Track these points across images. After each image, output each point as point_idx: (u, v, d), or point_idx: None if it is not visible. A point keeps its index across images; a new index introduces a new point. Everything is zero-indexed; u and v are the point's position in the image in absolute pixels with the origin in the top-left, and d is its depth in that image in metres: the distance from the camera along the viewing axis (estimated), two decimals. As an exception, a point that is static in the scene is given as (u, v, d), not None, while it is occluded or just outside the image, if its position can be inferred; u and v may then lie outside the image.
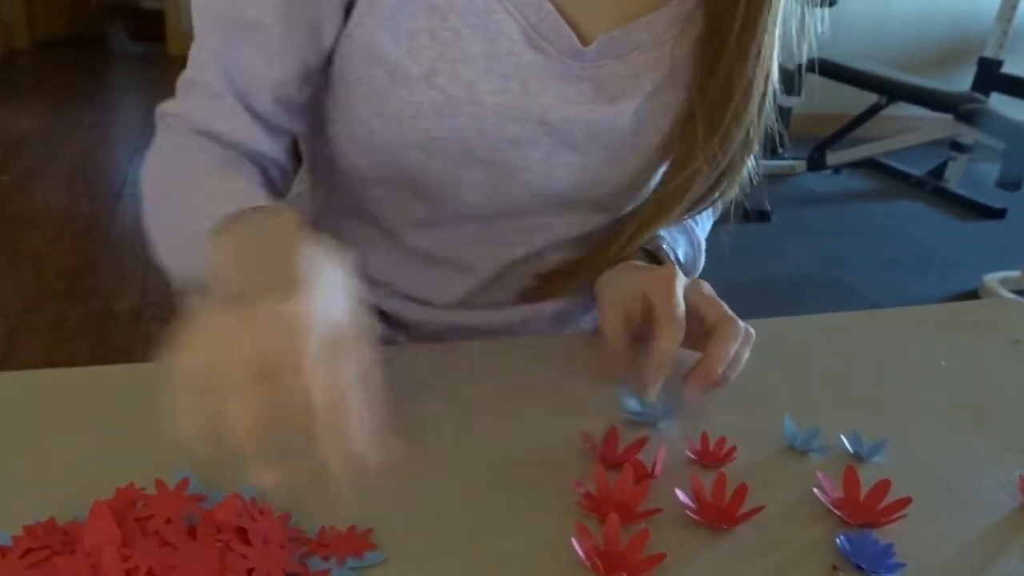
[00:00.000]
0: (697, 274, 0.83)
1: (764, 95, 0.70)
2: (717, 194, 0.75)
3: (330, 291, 0.45)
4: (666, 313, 0.63)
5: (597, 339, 0.71)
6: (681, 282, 0.66)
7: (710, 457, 0.58)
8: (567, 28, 0.65)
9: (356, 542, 0.48)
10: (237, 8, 0.63)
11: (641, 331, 0.67)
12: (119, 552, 0.43)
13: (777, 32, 0.68)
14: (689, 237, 0.83)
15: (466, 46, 0.64)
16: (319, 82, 0.69)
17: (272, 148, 0.70)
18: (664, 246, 0.77)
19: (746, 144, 0.71)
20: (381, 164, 0.71)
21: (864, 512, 0.53)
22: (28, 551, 0.43)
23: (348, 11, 0.64)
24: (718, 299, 0.66)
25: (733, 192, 0.75)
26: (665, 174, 0.74)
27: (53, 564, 0.43)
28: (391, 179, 0.72)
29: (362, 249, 0.77)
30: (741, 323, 0.65)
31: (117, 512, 0.45)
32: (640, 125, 0.70)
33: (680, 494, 0.53)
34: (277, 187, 0.74)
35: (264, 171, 0.70)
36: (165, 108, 0.69)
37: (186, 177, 0.65)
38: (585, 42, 0.66)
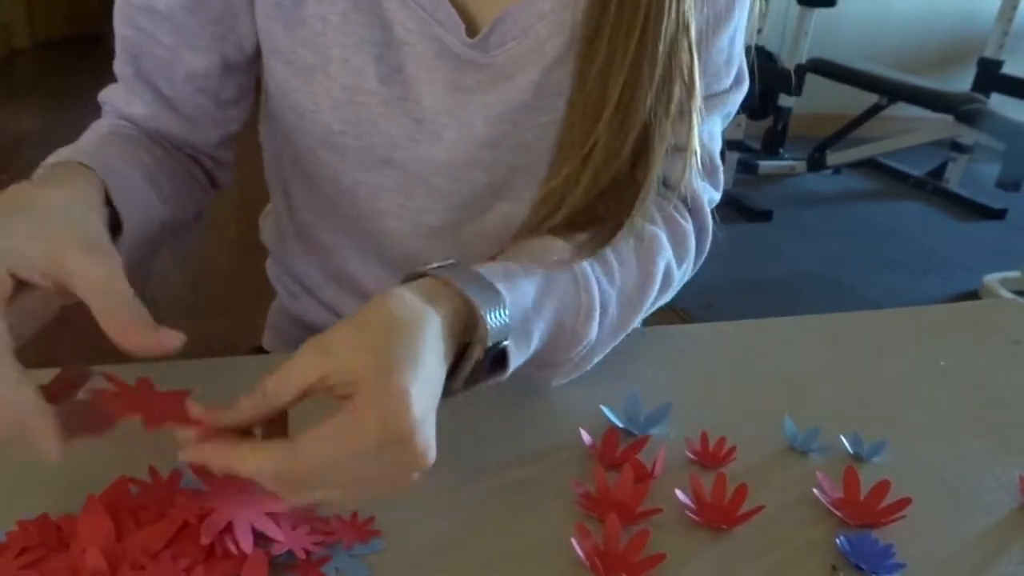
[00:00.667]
0: (584, 367, 0.63)
1: (666, 86, 0.60)
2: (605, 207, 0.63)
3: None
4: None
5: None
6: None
7: (710, 457, 0.58)
8: (457, 18, 0.62)
9: (359, 530, 0.48)
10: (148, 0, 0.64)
11: None
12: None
13: (682, 13, 0.59)
14: (585, 281, 0.59)
15: (357, 32, 0.62)
16: (249, 77, 0.70)
17: (200, 138, 0.70)
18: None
19: (647, 147, 0.61)
20: (301, 165, 0.71)
21: (864, 512, 0.53)
22: (23, 550, 0.43)
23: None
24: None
25: (636, 214, 0.62)
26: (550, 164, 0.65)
27: (47, 563, 0.43)
28: (314, 182, 0.72)
29: (330, 252, 0.77)
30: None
31: (110, 506, 0.45)
32: (540, 100, 0.64)
33: (680, 494, 0.53)
34: (212, 177, 0.75)
35: (194, 160, 0.71)
36: (100, 95, 0.72)
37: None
38: (478, 28, 0.63)
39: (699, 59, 0.62)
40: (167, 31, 0.64)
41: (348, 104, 0.64)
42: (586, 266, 0.59)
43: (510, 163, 0.67)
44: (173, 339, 0.46)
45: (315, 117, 0.66)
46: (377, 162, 0.67)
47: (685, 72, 0.61)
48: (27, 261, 0.45)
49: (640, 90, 0.59)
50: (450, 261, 0.53)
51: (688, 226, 0.69)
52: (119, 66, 0.68)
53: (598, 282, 0.59)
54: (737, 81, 0.71)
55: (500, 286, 0.51)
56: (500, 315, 0.50)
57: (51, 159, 0.58)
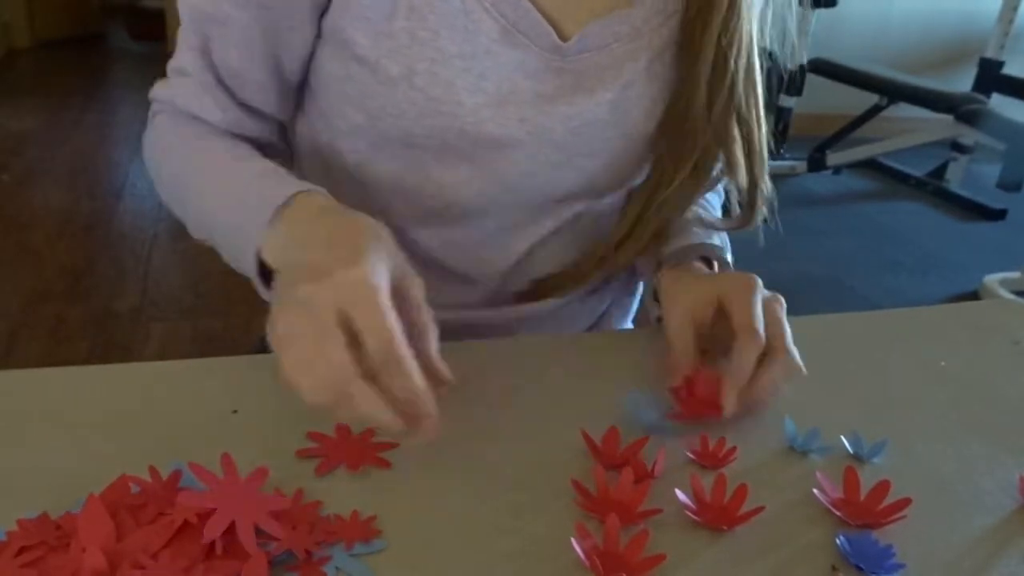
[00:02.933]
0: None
1: (751, 80, 0.69)
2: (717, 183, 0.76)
3: (384, 254, 0.53)
4: (745, 325, 0.62)
5: (597, 339, 0.71)
6: (760, 292, 0.66)
7: (710, 458, 0.58)
8: (546, 24, 0.65)
9: (361, 528, 0.48)
10: (215, 5, 0.65)
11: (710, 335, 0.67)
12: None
13: (754, 23, 0.69)
14: (724, 236, 0.81)
15: (444, 46, 0.64)
16: (300, 78, 0.71)
17: (264, 132, 0.73)
18: (721, 254, 0.77)
19: (746, 132, 0.70)
20: (365, 162, 0.72)
21: (864, 513, 0.53)
22: (23, 549, 0.43)
23: (324, 13, 0.65)
24: (782, 320, 0.65)
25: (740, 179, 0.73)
26: (652, 166, 0.74)
27: (47, 562, 0.43)
28: (375, 177, 0.73)
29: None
30: (785, 347, 0.63)
31: (110, 505, 0.45)
32: (618, 115, 0.70)
33: (680, 494, 0.53)
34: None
35: (261, 149, 0.73)
36: (157, 93, 0.73)
37: (200, 150, 0.69)
38: (564, 37, 0.66)
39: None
40: (236, 41, 0.66)
41: (434, 114, 0.66)
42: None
43: (577, 169, 0.72)
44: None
45: (396, 123, 0.67)
46: (455, 160, 0.70)
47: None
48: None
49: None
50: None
51: None
52: (195, 71, 0.69)
53: None
54: None
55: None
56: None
57: (294, 188, 0.59)
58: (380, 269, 0.51)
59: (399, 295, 0.53)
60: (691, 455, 0.58)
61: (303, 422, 0.57)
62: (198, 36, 0.67)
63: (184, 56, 0.69)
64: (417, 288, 0.55)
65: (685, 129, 0.69)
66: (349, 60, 0.66)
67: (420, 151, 0.69)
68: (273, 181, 0.61)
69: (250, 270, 0.60)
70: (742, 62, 0.68)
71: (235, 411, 0.58)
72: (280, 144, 0.77)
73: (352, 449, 0.55)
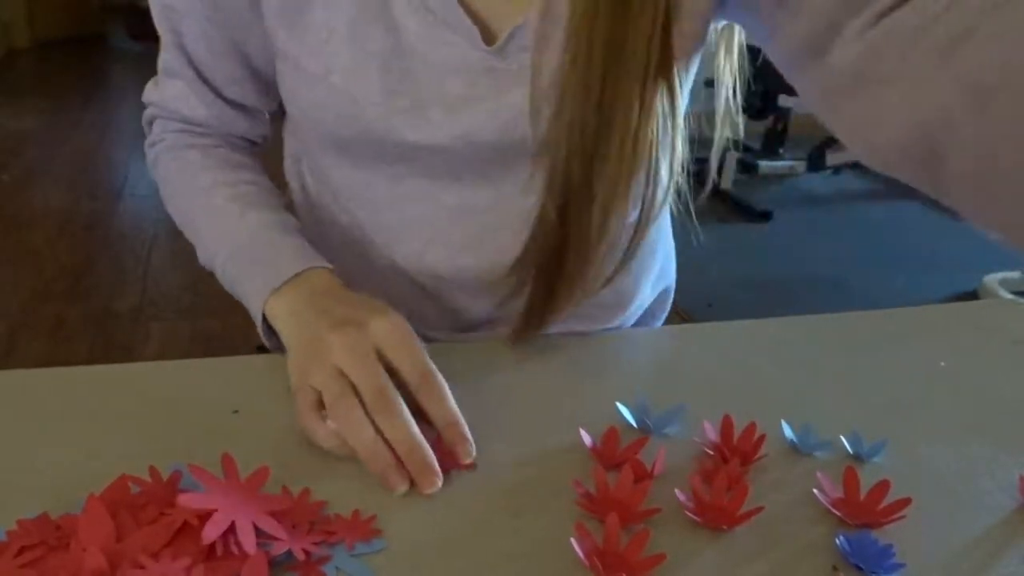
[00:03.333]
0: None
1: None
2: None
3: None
4: None
5: (597, 339, 0.71)
6: None
7: (736, 450, 0.57)
8: (471, 24, 0.62)
9: (361, 528, 0.48)
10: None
11: None
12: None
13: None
14: None
15: (364, 42, 0.62)
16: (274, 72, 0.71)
17: (255, 128, 0.75)
18: None
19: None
20: (315, 160, 0.73)
21: (864, 513, 0.53)
22: (23, 549, 0.43)
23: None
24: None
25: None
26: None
27: (47, 562, 0.43)
28: (326, 185, 0.74)
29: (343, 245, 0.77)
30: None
31: (111, 505, 0.45)
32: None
33: (680, 494, 0.53)
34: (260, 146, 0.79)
35: (252, 144, 0.77)
36: (149, 95, 0.74)
37: (202, 198, 0.70)
38: (492, 35, 0.63)
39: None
40: (199, 34, 0.67)
41: (352, 117, 0.64)
42: None
43: (515, 158, 0.67)
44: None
45: (321, 125, 0.66)
46: (382, 162, 0.68)
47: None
48: None
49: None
50: None
51: None
52: (177, 67, 0.69)
53: None
54: None
55: None
56: None
57: (300, 266, 0.63)
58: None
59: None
60: (708, 451, 0.58)
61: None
62: (171, 32, 0.67)
63: (165, 54, 0.69)
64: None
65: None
66: (277, 56, 0.66)
67: (349, 155, 0.69)
68: (280, 248, 0.65)
69: (256, 317, 0.64)
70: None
71: (235, 411, 0.58)
72: (265, 129, 0.78)
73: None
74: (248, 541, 0.44)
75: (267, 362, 0.65)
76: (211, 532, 0.44)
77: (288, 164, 0.80)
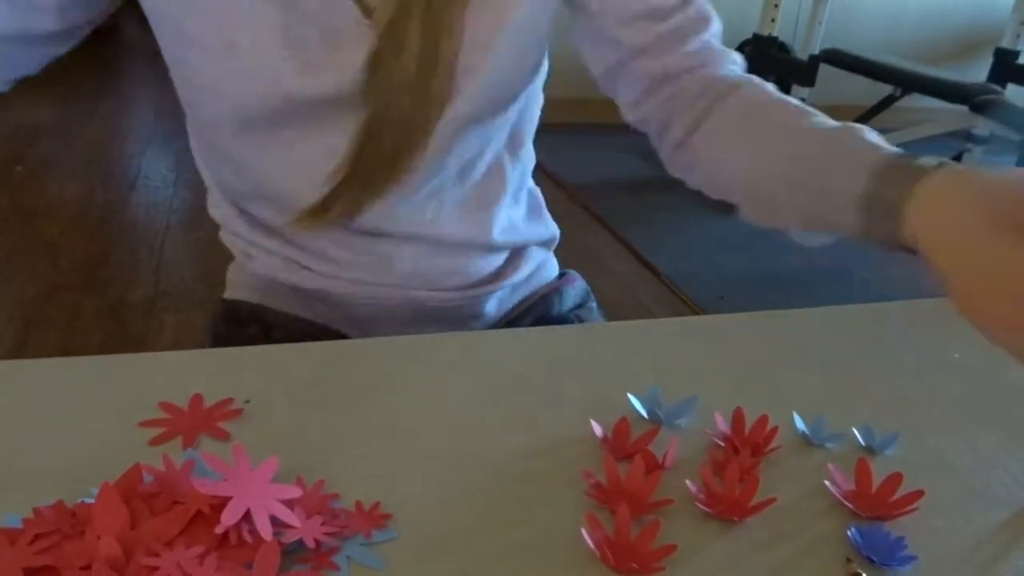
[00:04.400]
0: None
1: None
2: None
3: None
4: None
5: (608, 329, 0.71)
6: None
7: (746, 443, 0.57)
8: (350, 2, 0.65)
9: (372, 518, 0.49)
10: None
11: None
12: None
13: None
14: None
15: (264, 15, 0.65)
16: None
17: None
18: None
19: None
20: (212, 146, 0.75)
21: (876, 505, 0.53)
22: (37, 536, 0.44)
23: None
24: None
25: None
26: None
27: (62, 549, 0.43)
28: (237, 157, 0.74)
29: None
30: None
31: (125, 494, 0.46)
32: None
33: (691, 485, 0.53)
34: None
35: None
36: None
37: None
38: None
39: None
40: None
41: (261, 82, 0.67)
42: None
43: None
44: None
45: (228, 98, 0.69)
46: (290, 127, 0.70)
47: None
48: None
49: None
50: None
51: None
52: None
53: None
54: None
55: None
56: None
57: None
58: None
59: None
60: (719, 441, 0.58)
61: (317, 411, 0.58)
62: None
63: None
64: None
65: None
66: (178, 41, 0.69)
67: (250, 128, 0.70)
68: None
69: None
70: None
71: (247, 401, 0.58)
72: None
73: (194, 421, 0.56)
74: (264, 528, 0.44)
75: (278, 352, 0.65)
76: (228, 519, 0.44)
77: (198, 155, 0.82)
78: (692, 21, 0.72)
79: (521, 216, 0.87)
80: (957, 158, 3.86)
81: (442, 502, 0.51)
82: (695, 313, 2.39)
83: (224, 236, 0.87)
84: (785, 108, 0.68)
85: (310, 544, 0.45)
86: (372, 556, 0.46)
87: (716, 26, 0.74)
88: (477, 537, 0.49)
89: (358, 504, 0.49)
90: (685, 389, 0.63)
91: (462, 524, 0.49)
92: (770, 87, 0.71)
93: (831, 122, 0.65)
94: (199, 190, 0.87)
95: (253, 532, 0.45)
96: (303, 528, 0.46)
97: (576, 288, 0.95)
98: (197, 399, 0.58)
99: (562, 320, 0.91)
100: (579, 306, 0.94)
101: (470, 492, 0.52)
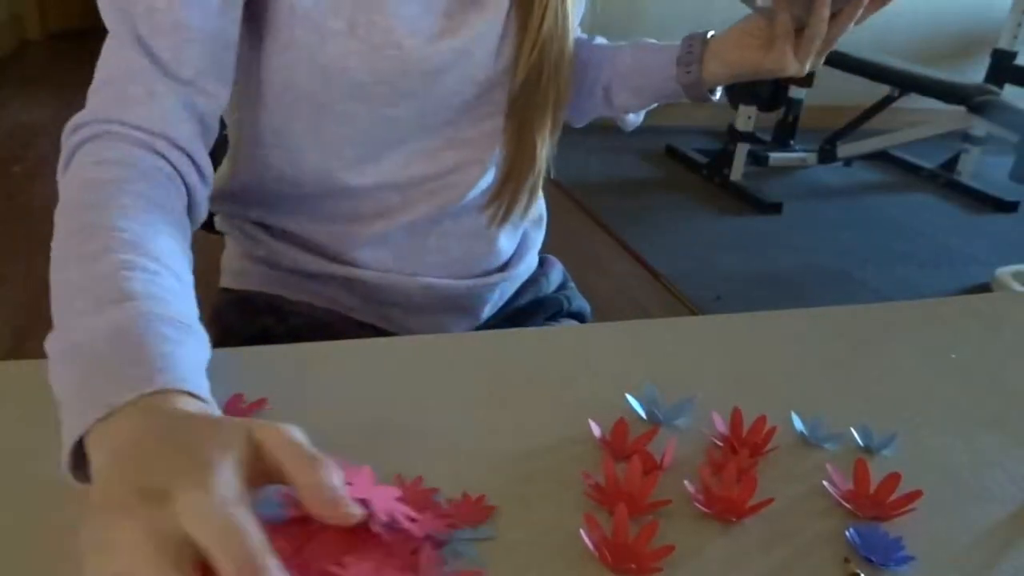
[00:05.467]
0: None
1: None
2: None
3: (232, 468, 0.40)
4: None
5: (607, 330, 0.71)
6: None
7: (744, 443, 0.57)
8: None
9: (478, 510, 0.50)
10: None
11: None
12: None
13: None
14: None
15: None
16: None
17: (192, 136, 0.64)
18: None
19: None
20: (295, 117, 0.75)
21: (874, 505, 0.53)
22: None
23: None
24: None
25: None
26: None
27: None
28: (300, 133, 0.76)
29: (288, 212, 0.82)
30: None
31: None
32: (509, 26, 0.77)
33: (689, 486, 0.53)
34: (203, 177, 0.66)
35: (192, 165, 0.64)
36: (77, 120, 0.63)
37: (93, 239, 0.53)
38: None
39: None
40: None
41: (381, 59, 0.70)
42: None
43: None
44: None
45: (343, 75, 0.70)
46: (399, 98, 0.74)
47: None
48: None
49: None
50: None
51: None
52: (112, 60, 0.65)
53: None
54: None
55: None
56: None
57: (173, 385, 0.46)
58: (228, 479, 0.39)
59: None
60: (716, 441, 0.58)
61: (328, 410, 0.57)
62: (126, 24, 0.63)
63: (105, 60, 0.65)
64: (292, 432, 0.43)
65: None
66: (294, 23, 0.69)
67: (365, 98, 0.73)
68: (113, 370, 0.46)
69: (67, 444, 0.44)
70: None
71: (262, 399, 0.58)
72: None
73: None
74: (414, 528, 0.44)
75: (276, 355, 0.65)
76: (379, 521, 0.43)
77: (244, 145, 0.81)
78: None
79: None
80: (955, 158, 3.87)
81: (440, 501, 0.51)
82: (692, 313, 2.39)
83: (230, 226, 0.87)
84: (616, 51, 0.91)
85: (418, 535, 0.45)
86: (472, 548, 0.47)
87: None
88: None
89: (465, 496, 0.50)
90: (683, 389, 0.63)
91: (460, 525, 0.49)
92: (598, 40, 0.94)
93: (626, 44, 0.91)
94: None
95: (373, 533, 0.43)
96: (425, 523, 0.46)
97: (557, 271, 1.01)
98: (237, 399, 0.57)
99: (554, 300, 0.97)
100: (562, 287, 1.00)
101: (469, 492, 0.52)
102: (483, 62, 0.76)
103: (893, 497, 0.54)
